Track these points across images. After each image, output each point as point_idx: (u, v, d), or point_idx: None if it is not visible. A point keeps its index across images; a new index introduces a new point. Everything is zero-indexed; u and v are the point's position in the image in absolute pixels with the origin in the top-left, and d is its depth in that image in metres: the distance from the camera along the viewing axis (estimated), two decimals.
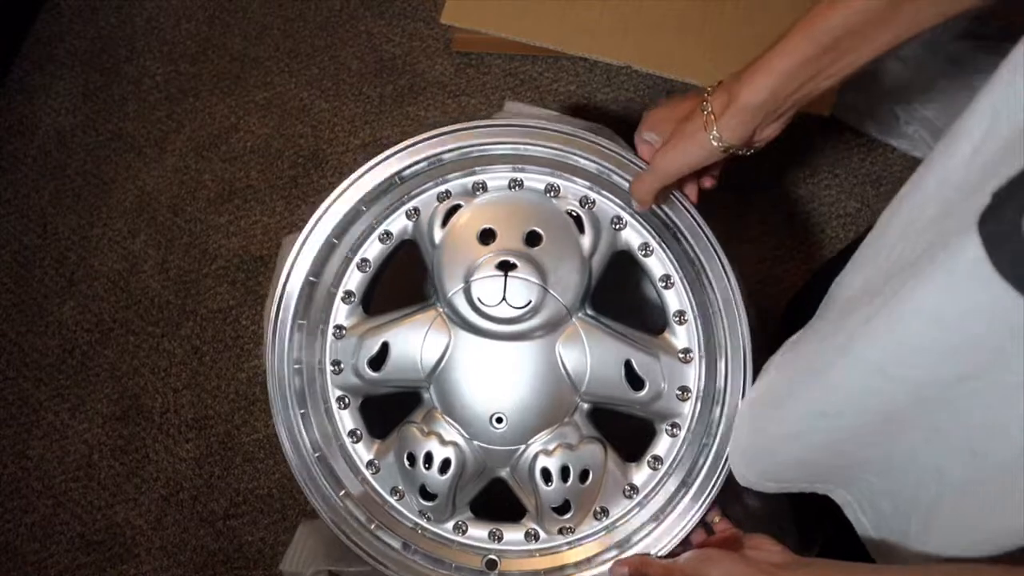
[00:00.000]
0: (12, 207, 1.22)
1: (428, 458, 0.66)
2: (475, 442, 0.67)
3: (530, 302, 0.66)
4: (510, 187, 0.71)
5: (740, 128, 0.55)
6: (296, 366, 0.69)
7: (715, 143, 0.55)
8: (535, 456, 0.66)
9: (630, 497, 0.66)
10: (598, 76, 1.23)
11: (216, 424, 1.07)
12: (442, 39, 1.27)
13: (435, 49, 1.27)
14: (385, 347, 0.68)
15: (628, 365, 0.66)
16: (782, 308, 1.05)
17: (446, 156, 0.71)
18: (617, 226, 0.69)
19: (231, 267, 1.15)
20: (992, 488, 0.42)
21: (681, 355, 0.67)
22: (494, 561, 0.67)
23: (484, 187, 0.71)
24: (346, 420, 0.70)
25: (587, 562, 0.65)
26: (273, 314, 0.68)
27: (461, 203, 0.70)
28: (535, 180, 0.71)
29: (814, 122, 1.20)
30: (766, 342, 0.66)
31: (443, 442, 0.67)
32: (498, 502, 0.70)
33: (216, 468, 1.04)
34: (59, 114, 1.28)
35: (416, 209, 0.71)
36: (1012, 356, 0.35)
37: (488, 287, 0.66)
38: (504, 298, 0.66)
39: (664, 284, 0.69)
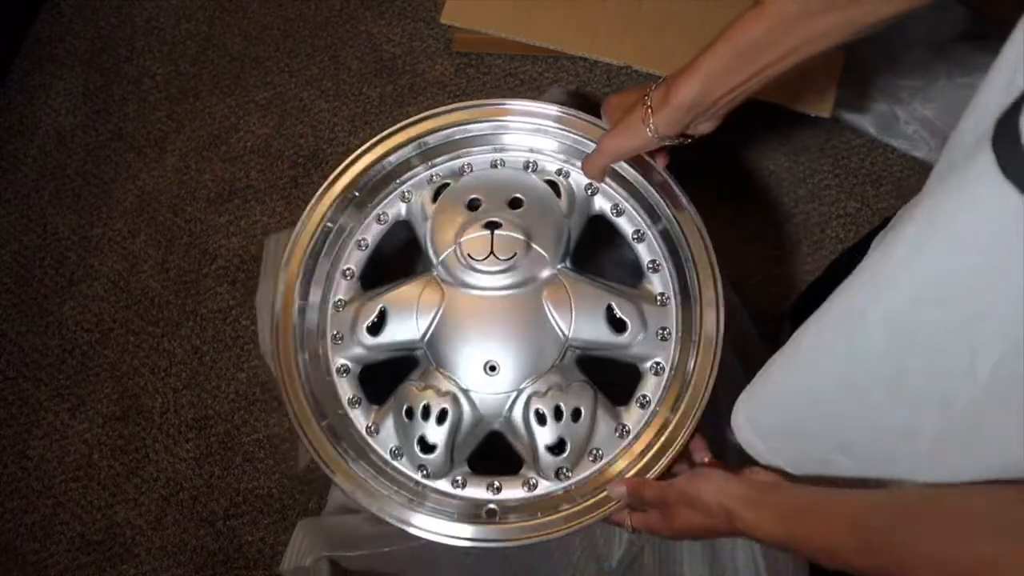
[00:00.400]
0: (12, 207, 1.22)
1: (426, 410, 0.69)
2: (471, 392, 0.71)
3: (515, 254, 0.72)
4: (493, 166, 0.80)
5: (673, 124, 0.61)
6: (300, 341, 0.73)
7: (651, 134, 0.62)
8: (528, 400, 0.69)
9: (622, 436, 0.70)
10: (598, 76, 1.23)
11: (216, 424, 1.07)
12: (442, 39, 1.27)
13: (435, 49, 1.27)
14: (383, 312, 0.73)
15: (610, 310, 0.72)
16: (784, 308, 1.05)
17: (430, 139, 0.79)
18: (590, 191, 0.78)
19: (231, 267, 1.15)
20: (965, 435, 0.43)
21: (658, 298, 0.74)
22: (494, 510, 0.70)
23: (470, 167, 0.79)
24: (345, 388, 0.74)
25: (582, 498, 0.68)
26: (275, 300, 0.73)
27: (449, 182, 0.78)
28: (515, 158, 0.80)
29: (814, 122, 1.20)
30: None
31: (440, 393, 0.70)
32: (494, 459, 0.73)
33: (216, 468, 1.04)
34: (59, 114, 1.28)
35: (409, 191, 0.79)
36: (1000, 279, 0.35)
37: (477, 243, 0.73)
38: (492, 252, 0.73)
39: (636, 238, 0.76)
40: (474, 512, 0.69)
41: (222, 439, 1.06)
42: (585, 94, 1.22)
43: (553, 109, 0.78)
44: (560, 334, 0.71)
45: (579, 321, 0.72)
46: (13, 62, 1.32)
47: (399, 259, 0.85)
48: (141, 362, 1.11)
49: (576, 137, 0.77)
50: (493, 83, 1.24)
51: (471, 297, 0.73)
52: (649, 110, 0.61)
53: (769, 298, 1.09)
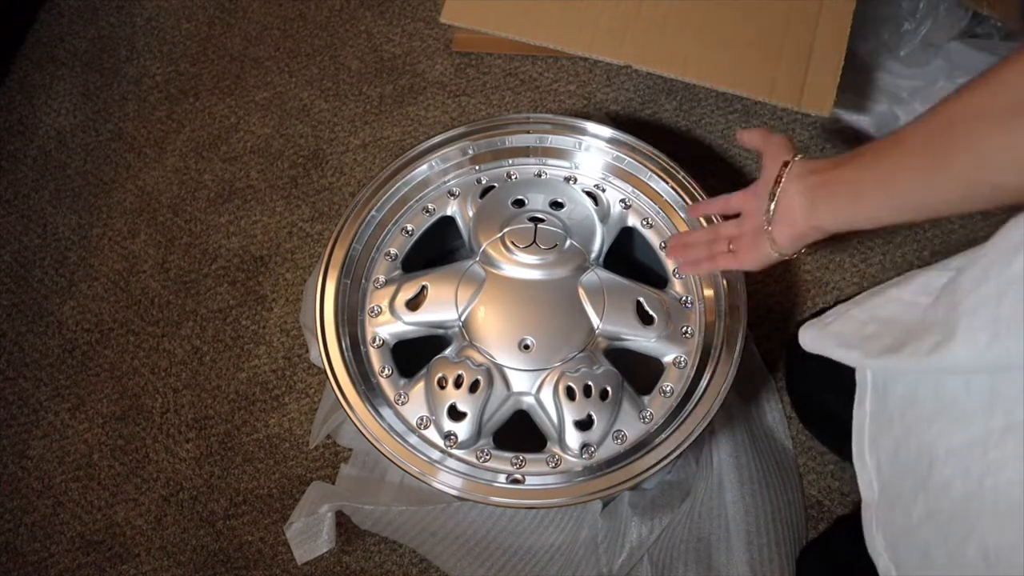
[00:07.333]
0: (12, 207, 1.22)
1: (458, 380, 0.73)
2: (504, 367, 0.75)
3: (556, 245, 0.79)
4: (537, 175, 0.87)
5: (802, 244, 0.63)
6: (342, 315, 0.79)
7: (776, 256, 0.66)
8: (559, 377, 0.74)
9: (645, 422, 0.74)
10: (598, 76, 1.23)
11: (216, 424, 1.07)
12: (442, 39, 1.27)
13: (435, 49, 1.27)
14: (423, 289, 0.79)
15: (639, 305, 0.78)
16: (782, 303, 1.05)
17: (479, 144, 0.86)
18: (623, 205, 0.85)
19: (231, 267, 1.15)
20: None
21: (681, 301, 0.80)
22: (518, 479, 0.72)
23: (515, 176, 0.87)
24: (377, 359, 0.78)
25: (603, 474, 0.71)
26: (321, 275, 0.80)
27: (495, 185, 0.86)
28: (557, 171, 0.88)
29: (814, 122, 1.20)
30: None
31: (474, 364, 0.74)
32: (519, 440, 0.76)
33: (216, 468, 1.04)
34: (59, 114, 1.28)
35: (456, 190, 0.86)
36: None
37: (521, 233, 0.80)
38: (535, 241, 0.79)
39: (663, 247, 0.83)
40: (497, 479, 0.72)
41: (222, 439, 1.06)
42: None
43: (607, 131, 0.85)
44: (592, 321, 0.77)
45: (610, 311, 0.77)
46: (13, 62, 1.32)
47: (431, 251, 0.91)
48: (141, 362, 1.11)
49: (617, 154, 0.86)
50: (493, 83, 1.24)
51: (511, 281, 0.78)
52: (769, 231, 0.63)
53: (769, 297, 1.09)
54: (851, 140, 1.17)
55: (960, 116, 0.45)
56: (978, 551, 0.43)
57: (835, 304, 0.65)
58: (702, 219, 0.81)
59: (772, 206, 0.62)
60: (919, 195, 0.49)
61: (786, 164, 0.62)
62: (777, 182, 0.62)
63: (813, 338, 0.60)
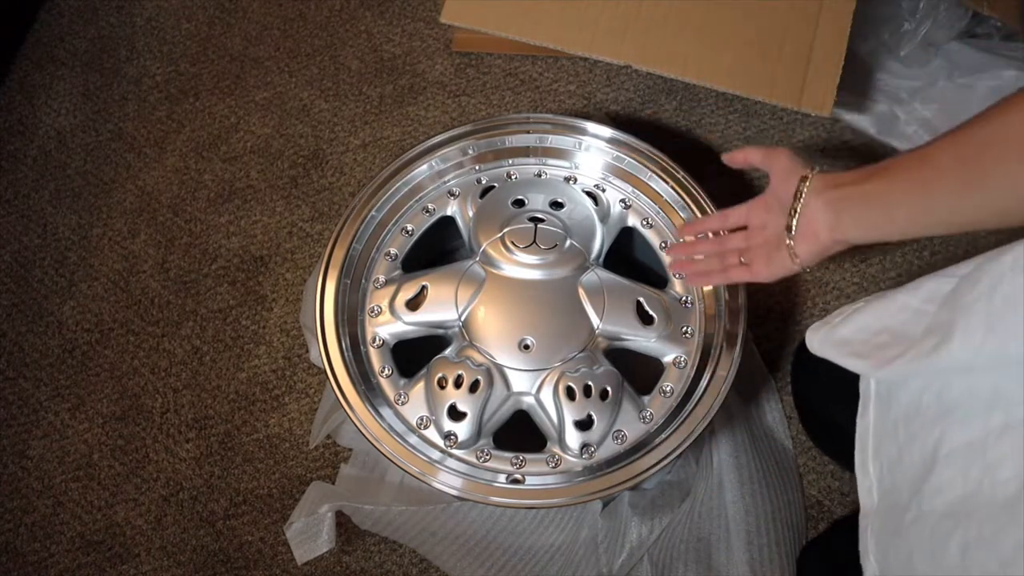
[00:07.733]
0: (12, 207, 1.22)
1: (458, 380, 0.73)
2: (504, 367, 0.75)
3: (556, 245, 0.79)
4: (537, 175, 0.88)
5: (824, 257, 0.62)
6: (342, 315, 0.79)
7: (798, 267, 0.64)
8: (559, 377, 0.74)
9: (645, 422, 0.74)
10: (598, 76, 1.23)
11: (216, 424, 1.07)
12: (442, 39, 1.27)
13: (435, 49, 1.27)
14: (423, 289, 0.79)
15: (639, 305, 0.78)
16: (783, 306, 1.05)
17: (479, 144, 0.87)
18: (623, 206, 0.85)
19: (231, 267, 1.15)
20: None
21: (682, 301, 0.80)
22: (518, 479, 0.72)
23: (515, 176, 0.87)
24: (377, 359, 0.79)
25: (603, 474, 0.71)
26: (321, 275, 0.80)
27: (496, 185, 0.86)
28: (557, 171, 0.88)
29: (814, 122, 1.20)
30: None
31: (474, 365, 0.74)
32: (519, 440, 0.76)
33: (216, 468, 1.04)
34: (59, 114, 1.28)
35: (456, 190, 0.86)
36: None
37: (521, 233, 0.80)
38: (535, 241, 0.79)
39: (664, 247, 0.83)
40: (497, 479, 0.72)
41: (222, 439, 1.06)
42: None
43: (607, 131, 0.85)
44: (592, 321, 0.77)
45: (610, 311, 0.77)
46: (13, 62, 1.32)
47: (431, 251, 0.90)
48: (141, 362, 1.11)
49: (617, 154, 0.86)
50: (493, 83, 1.24)
51: (511, 281, 0.79)
52: (791, 246, 0.62)
53: (769, 296, 1.09)
54: (851, 140, 1.17)
55: (994, 141, 0.45)
56: (959, 547, 0.43)
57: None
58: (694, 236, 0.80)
59: (795, 222, 0.61)
60: (952, 213, 0.49)
61: (804, 179, 0.61)
62: (797, 197, 0.61)
63: (821, 341, 0.60)
